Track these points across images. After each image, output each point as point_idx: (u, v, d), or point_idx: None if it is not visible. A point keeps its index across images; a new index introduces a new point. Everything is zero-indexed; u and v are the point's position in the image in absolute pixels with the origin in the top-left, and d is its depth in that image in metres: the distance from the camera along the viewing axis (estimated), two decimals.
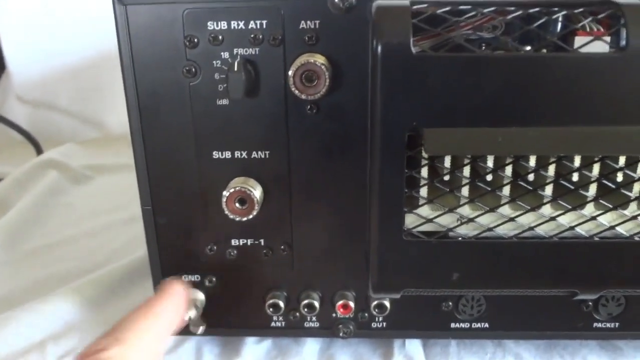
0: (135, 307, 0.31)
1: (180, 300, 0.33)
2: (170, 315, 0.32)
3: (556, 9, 0.30)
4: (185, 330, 0.38)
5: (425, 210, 0.32)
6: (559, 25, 0.33)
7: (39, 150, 0.77)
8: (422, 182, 0.31)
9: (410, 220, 0.32)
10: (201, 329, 0.37)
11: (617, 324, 0.38)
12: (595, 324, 0.38)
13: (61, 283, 0.48)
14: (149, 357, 0.29)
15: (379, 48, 0.29)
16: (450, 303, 0.37)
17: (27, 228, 0.59)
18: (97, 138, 0.85)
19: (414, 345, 0.41)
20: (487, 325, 0.38)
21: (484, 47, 0.33)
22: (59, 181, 0.69)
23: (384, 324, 0.38)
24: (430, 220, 0.32)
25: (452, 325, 0.38)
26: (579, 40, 0.32)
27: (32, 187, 0.66)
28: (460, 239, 0.32)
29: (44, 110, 0.83)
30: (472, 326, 0.38)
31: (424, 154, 0.31)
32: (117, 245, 0.55)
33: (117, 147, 0.81)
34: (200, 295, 0.38)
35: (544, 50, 0.31)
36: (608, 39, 0.31)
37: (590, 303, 0.37)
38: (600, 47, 0.30)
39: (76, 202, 0.67)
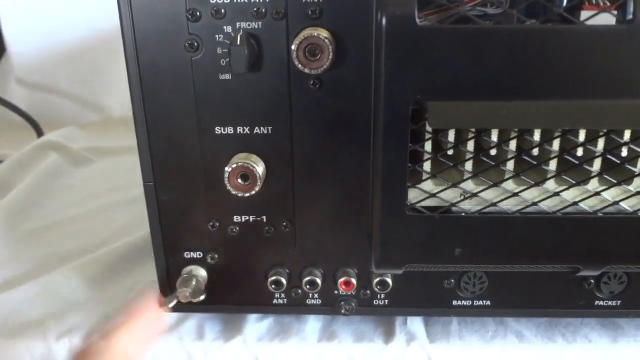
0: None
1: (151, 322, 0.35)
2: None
3: None
4: (187, 307, 0.38)
5: (428, 185, 0.32)
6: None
7: (39, 133, 0.77)
8: (426, 156, 0.31)
9: (413, 195, 0.32)
10: (202, 297, 0.37)
11: (619, 302, 0.38)
12: (597, 302, 0.38)
13: (62, 263, 0.48)
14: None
15: (384, 20, 0.28)
16: (452, 280, 0.37)
17: (27, 209, 0.59)
18: (97, 121, 0.85)
19: (416, 323, 0.41)
20: (488, 302, 0.38)
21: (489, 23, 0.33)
22: (60, 163, 0.69)
23: (386, 301, 0.38)
24: (433, 195, 0.32)
25: (454, 302, 0.38)
26: (585, 14, 0.32)
27: (33, 169, 0.66)
28: (463, 214, 0.32)
29: (44, 93, 0.83)
30: (474, 304, 0.38)
31: (428, 128, 0.31)
32: (117, 226, 0.55)
33: (117, 130, 0.81)
34: (202, 272, 0.38)
35: (550, 24, 0.31)
36: (615, 12, 0.30)
37: (592, 281, 0.37)
38: (607, 20, 0.30)
39: (77, 184, 0.67)
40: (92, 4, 0.78)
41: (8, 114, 0.81)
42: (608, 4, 0.32)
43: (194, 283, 0.37)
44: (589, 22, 0.30)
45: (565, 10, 0.31)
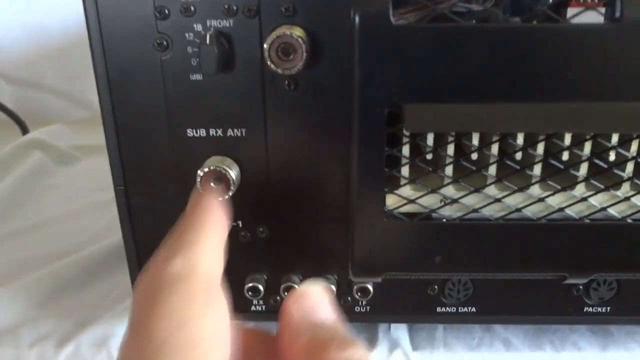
0: (180, 224, 0.27)
1: (215, 204, 0.28)
2: (216, 219, 0.27)
3: None
4: None
5: (407, 191, 0.30)
6: None
7: (24, 131, 0.75)
8: (404, 161, 0.30)
9: (391, 202, 0.30)
10: None
11: (608, 308, 0.37)
12: (586, 309, 0.37)
13: (42, 265, 0.47)
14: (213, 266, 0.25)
15: (357, 18, 0.27)
16: (436, 287, 0.36)
17: (9, 209, 0.58)
18: (84, 118, 0.83)
19: (400, 330, 0.39)
20: (474, 309, 0.37)
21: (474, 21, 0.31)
22: (44, 162, 0.67)
23: (368, 308, 0.37)
24: (412, 201, 0.30)
25: (438, 309, 0.37)
26: (571, 11, 0.30)
27: (16, 168, 0.65)
28: (444, 220, 0.30)
29: (30, 90, 0.81)
30: (459, 310, 0.37)
31: (405, 132, 0.29)
32: (100, 226, 0.54)
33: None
34: None
35: (534, 22, 0.29)
36: (602, 9, 0.29)
37: (581, 287, 0.36)
38: (594, 18, 0.29)
39: (61, 183, 0.65)
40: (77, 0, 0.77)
41: None
42: (595, 1, 0.30)
43: None
44: (575, 20, 0.28)
45: (551, 7, 0.29)
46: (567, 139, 0.29)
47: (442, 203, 0.30)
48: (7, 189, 0.60)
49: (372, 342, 0.39)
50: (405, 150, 0.30)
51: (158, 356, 0.20)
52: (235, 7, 0.30)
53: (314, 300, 0.24)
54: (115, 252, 0.49)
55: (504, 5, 0.31)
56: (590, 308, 0.37)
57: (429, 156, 0.30)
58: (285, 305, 0.24)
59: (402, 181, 0.30)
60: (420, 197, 0.30)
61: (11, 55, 0.79)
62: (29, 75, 0.81)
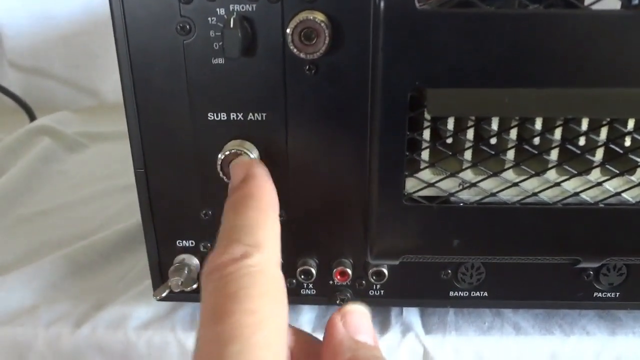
0: (237, 200, 0.28)
1: (269, 177, 0.30)
2: (273, 200, 0.29)
3: None
4: (179, 296, 0.37)
5: (426, 175, 0.31)
6: None
7: (32, 117, 0.75)
8: (424, 144, 0.30)
9: (410, 185, 0.31)
10: (194, 286, 0.36)
11: (617, 293, 0.37)
12: (595, 294, 0.37)
13: (54, 250, 0.47)
14: (279, 256, 0.27)
15: (382, 3, 0.27)
16: (450, 271, 0.37)
17: (19, 195, 0.58)
18: (91, 106, 0.83)
19: (412, 314, 0.40)
20: (486, 294, 0.38)
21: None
22: (53, 148, 0.67)
23: (382, 291, 0.38)
24: (431, 185, 0.31)
25: (451, 293, 0.38)
26: None
27: (25, 154, 0.65)
28: (462, 204, 0.31)
29: (37, 77, 0.82)
30: (471, 295, 0.38)
31: (427, 116, 0.30)
32: (111, 212, 0.54)
33: (112, 115, 0.79)
34: (195, 261, 0.37)
35: (553, 8, 0.30)
36: None
37: (591, 272, 0.36)
38: (612, 4, 0.29)
39: (70, 170, 0.66)
40: None
41: (0, 97, 0.80)
42: None
43: (186, 272, 0.36)
44: (594, 7, 0.29)
45: None
46: (584, 125, 0.30)
47: (461, 187, 0.31)
48: (17, 174, 0.60)
49: (385, 325, 0.39)
50: (426, 134, 0.30)
51: (240, 355, 0.21)
52: None
53: (359, 318, 0.26)
54: (128, 237, 0.49)
55: None
56: (600, 293, 0.37)
57: (449, 140, 0.30)
58: (332, 318, 0.26)
59: (422, 165, 0.31)
60: (440, 180, 0.31)
61: (18, 43, 0.79)
62: (36, 62, 0.81)
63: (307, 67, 0.32)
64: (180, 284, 0.36)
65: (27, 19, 0.78)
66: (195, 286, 0.36)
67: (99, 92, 0.84)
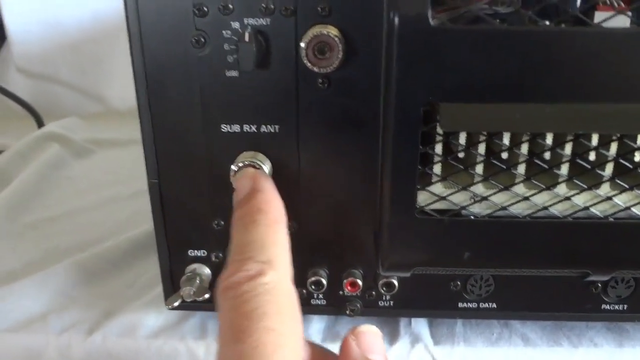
0: (245, 215, 0.29)
1: (275, 190, 0.31)
2: (281, 214, 0.30)
3: None
4: (191, 305, 0.37)
5: (438, 188, 0.31)
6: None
7: (40, 123, 0.76)
8: (436, 158, 0.31)
9: (422, 198, 0.31)
10: (206, 296, 0.37)
11: (625, 306, 0.38)
12: (603, 306, 0.38)
13: (63, 256, 0.48)
14: (291, 271, 0.28)
15: (396, 19, 0.28)
16: (459, 283, 0.37)
17: (28, 201, 0.58)
18: (98, 112, 0.84)
19: (420, 325, 0.40)
20: (494, 305, 0.38)
21: (498, 22, 0.32)
22: (61, 154, 0.68)
23: (391, 302, 0.38)
24: (443, 198, 0.31)
25: (460, 304, 0.38)
26: (599, 16, 0.31)
27: (34, 160, 0.65)
28: (473, 217, 0.31)
29: (45, 83, 0.82)
30: (480, 306, 0.38)
31: (439, 130, 0.30)
32: (119, 220, 0.55)
33: (118, 122, 0.80)
34: (207, 270, 0.37)
35: (563, 25, 0.30)
36: (630, 13, 0.30)
37: (599, 285, 0.37)
38: (622, 22, 0.29)
39: (78, 176, 0.66)
40: None
41: (8, 103, 0.80)
42: (623, 5, 0.31)
43: (197, 282, 0.37)
44: (603, 25, 0.29)
45: (580, 11, 0.30)
46: (594, 140, 0.30)
47: (472, 200, 0.31)
48: (27, 180, 0.61)
49: (394, 336, 0.40)
50: (438, 148, 0.31)
51: None
52: (272, 6, 0.31)
53: (372, 338, 0.28)
54: (136, 245, 0.50)
55: (534, 9, 0.32)
56: (608, 305, 0.38)
57: (461, 154, 0.31)
58: (347, 338, 0.28)
59: (434, 178, 0.31)
60: (451, 194, 0.31)
61: (27, 50, 0.79)
62: (44, 69, 0.81)
63: (320, 80, 0.33)
64: (192, 293, 0.36)
65: (37, 25, 0.78)
66: (207, 296, 0.36)
67: (105, 98, 0.85)
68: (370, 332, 0.28)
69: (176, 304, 0.36)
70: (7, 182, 0.61)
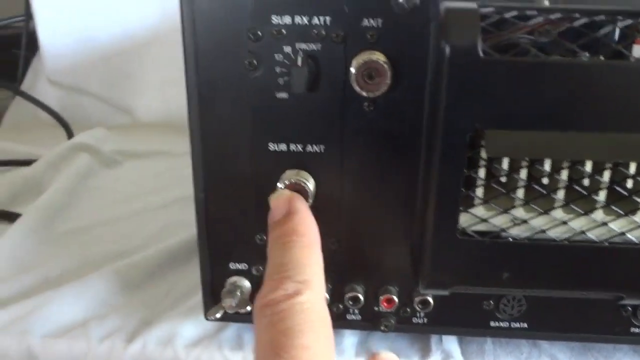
0: (282, 236, 0.30)
1: (309, 212, 0.32)
2: (316, 235, 0.31)
3: (620, 17, 0.31)
4: (233, 317, 0.38)
5: (480, 210, 0.33)
6: (617, 32, 0.33)
7: (69, 133, 0.78)
8: (479, 182, 0.32)
9: (464, 219, 0.33)
10: (248, 308, 0.38)
11: None
12: (632, 329, 0.38)
13: (100, 265, 0.49)
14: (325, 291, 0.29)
15: (447, 49, 0.29)
16: (492, 302, 0.38)
17: (61, 210, 0.60)
18: (125, 124, 0.85)
19: (451, 342, 0.41)
20: (525, 325, 0.39)
21: (536, 49, 0.33)
22: (91, 165, 0.69)
23: (425, 319, 0.39)
24: (484, 220, 0.32)
25: (492, 323, 0.39)
26: (637, 49, 0.32)
27: (65, 170, 0.67)
28: (512, 239, 0.32)
29: (74, 94, 0.84)
30: (511, 326, 0.39)
31: (482, 155, 0.31)
32: (152, 230, 0.56)
33: (145, 134, 0.82)
34: (247, 283, 0.39)
35: (602, 57, 0.32)
36: None
37: (629, 308, 0.38)
38: None
39: (107, 186, 0.67)
40: (126, 9, 0.80)
41: (37, 112, 0.82)
42: None
43: (238, 294, 0.38)
44: None
45: (619, 43, 0.32)
46: (632, 168, 0.32)
47: (512, 223, 0.32)
48: (59, 189, 0.62)
49: (425, 352, 0.41)
50: (481, 172, 0.32)
51: None
52: (324, 32, 0.33)
53: None
54: (170, 256, 0.51)
55: (570, 38, 0.33)
56: (637, 329, 0.38)
57: (503, 179, 0.32)
58: None
59: (476, 201, 0.32)
60: (492, 216, 0.32)
61: (59, 62, 0.81)
62: (74, 81, 0.83)
63: (366, 103, 0.34)
64: (234, 305, 0.37)
65: (69, 38, 0.80)
66: (249, 308, 0.38)
67: (132, 110, 0.86)
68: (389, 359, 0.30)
69: (218, 315, 0.37)
70: (40, 191, 0.62)
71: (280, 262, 0.29)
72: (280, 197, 0.34)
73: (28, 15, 0.83)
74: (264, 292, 0.28)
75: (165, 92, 0.83)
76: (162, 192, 0.65)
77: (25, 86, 0.85)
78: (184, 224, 0.52)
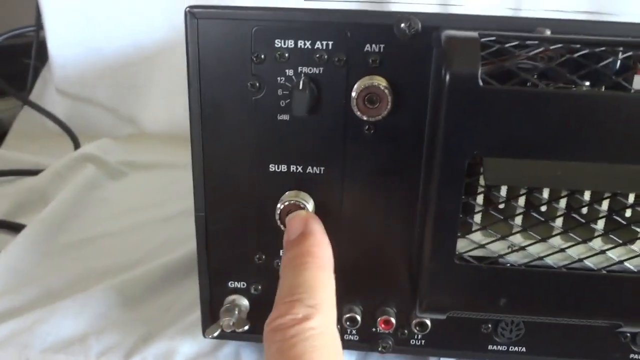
0: (296, 257, 0.30)
1: (325, 234, 0.32)
2: (330, 258, 0.31)
3: (621, 48, 0.31)
4: (226, 335, 0.39)
5: (477, 236, 0.33)
6: (618, 62, 0.33)
7: (76, 143, 0.78)
8: (477, 208, 0.32)
9: (462, 245, 0.33)
10: (246, 327, 0.38)
11: None
12: (631, 355, 0.38)
13: (101, 278, 0.49)
14: (336, 315, 0.29)
15: (447, 77, 0.29)
16: (490, 325, 0.38)
17: (66, 222, 0.60)
18: (131, 135, 0.86)
19: None
20: (524, 349, 0.39)
21: (535, 76, 0.33)
22: (97, 176, 0.70)
23: (423, 341, 0.39)
24: (482, 246, 0.32)
25: (490, 347, 0.39)
26: (637, 79, 0.32)
27: (71, 181, 0.67)
28: (510, 265, 0.32)
29: (82, 104, 0.85)
30: (509, 349, 0.39)
31: (481, 182, 0.32)
32: (154, 244, 0.56)
33: (150, 145, 0.83)
34: (245, 302, 0.39)
35: (602, 87, 0.32)
36: None
37: (628, 334, 0.38)
38: None
39: (112, 198, 0.68)
40: (134, 21, 0.80)
41: (44, 122, 0.83)
42: None
43: (236, 313, 0.38)
44: None
45: (619, 75, 0.32)
46: (631, 198, 0.32)
47: (510, 249, 0.32)
48: (64, 200, 0.63)
49: None
50: (479, 198, 0.32)
51: None
52: (326, 57, 0.33)
53: None
54: (172, 271, 0.51)
55: (570, 67, 0.33)
56: (636, 355, 0.38)
57: (501, 205, 0.32)
58: None
59: (474, 227, 0.32)
60: (490, 242, 0.32)
61: (67, 72, 0.82)
62: (82, 91, 0.84)
63: (366, 127, 0.34)
64: (232, 324, 0.37)
65: (78, 49, 0.81)
66: (246, 327, 0.38)
67: (138, 121, 0.87)
68: None
69: (215, 334, 0.37)
70: (46, 201, 0.63)
71: (292, 283, 0.29)
72: (296, 217, 0.34)
73: (39, 25, 0.84)
74: (273, 315, 0.27)
75: (172, 103, 0.83)
76: (166, 204, 0.66)
77: (33, 95, 0.86)
78: (186, 238, 0.52)
